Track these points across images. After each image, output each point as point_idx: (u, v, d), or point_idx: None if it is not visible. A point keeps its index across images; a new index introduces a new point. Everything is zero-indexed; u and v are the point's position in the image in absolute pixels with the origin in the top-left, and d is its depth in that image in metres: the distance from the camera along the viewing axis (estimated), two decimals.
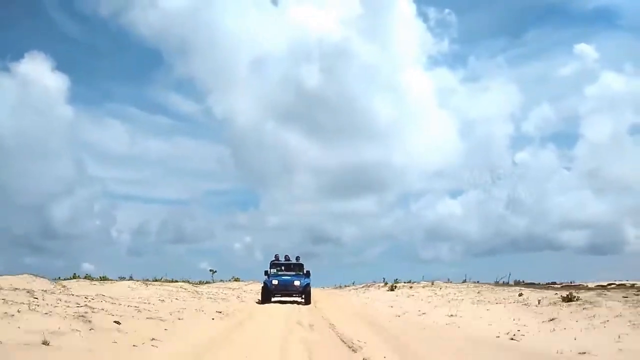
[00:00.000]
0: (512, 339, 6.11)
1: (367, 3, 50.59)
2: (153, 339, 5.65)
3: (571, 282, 35.93)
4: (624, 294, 9.25)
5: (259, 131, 50.09)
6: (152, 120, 62.46)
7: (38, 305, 6.48)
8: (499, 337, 6.29)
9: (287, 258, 17.20)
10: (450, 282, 22.88)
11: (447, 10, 55.02)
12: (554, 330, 6.86)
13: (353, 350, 5.36)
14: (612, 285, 24.97)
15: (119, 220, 53.15)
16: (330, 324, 8.22)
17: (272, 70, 50.82)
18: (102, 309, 7.41)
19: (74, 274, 20.89)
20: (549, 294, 10.86)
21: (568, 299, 8.89)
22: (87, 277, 19.32)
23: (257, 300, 15.49)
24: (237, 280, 28.39)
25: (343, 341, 6.06)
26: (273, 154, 49.86)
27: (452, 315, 9.37)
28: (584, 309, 8.10)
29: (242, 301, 15.23)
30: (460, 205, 48.58)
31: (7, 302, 6.35)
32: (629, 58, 49.69)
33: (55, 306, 6.91)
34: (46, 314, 6.00)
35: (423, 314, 10.09)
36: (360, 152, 49.91)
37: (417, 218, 51.02)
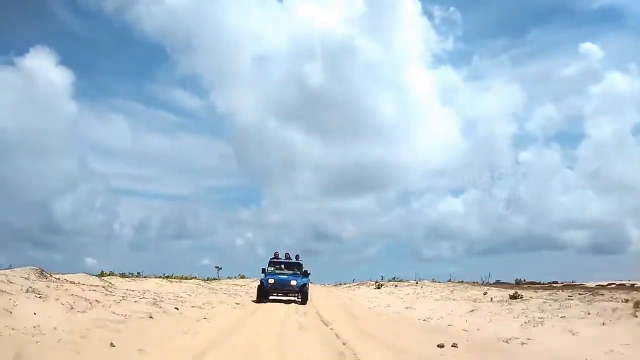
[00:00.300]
0: (425, 320, 9.72)
1: (371, 1, 51.20)
2: (204, 318, 9.29)
3: (572, 282, 37.60)
4: (570, 294, 12.29)
5: (261, 128, 51.69)
6: (155, 116, 63.47)
7: (124, 297, 10.14)
8: (419, 319, 9.91)
9: (287, 256, 17.30)
10: (436, 281, 26.78)
11: (452, 9, 55.41)
12: (467, 315, 10.44)
13: (326, 324, 8.96)
14: (612, 285, 27.20)
15: (122, 215, 54.56)
16: (317, 312, 11.80)
17: (275, 68, 52.40)
18: (161, 300, 11.08)
19: (102, 270, 24.32)
20: (511, 292, 14.28)
21: (514, 297, 11.76)
22: (122, 274, 22.75)
23: (238, 304, 15.22)
24: (242, 277, 31.84)
25: (322, 321, 9.64)
26: (275, 151, 51.40)
27: (407, 308, 12.99)
28: (513, 304, 11.44)
29: (251, 296, 18.36)
30: (462, 204, 49.13)
31: (105, 294, 10.00)
32: (634, 58, 49.96)
33: (131, 297, 10.56)
34: (135, 302, 9.65)
35: (388, 306, 13.70)
36: (362, 150, 51.02)
37: (419, 216, 52.02)
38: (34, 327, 5.74)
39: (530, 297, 11.90)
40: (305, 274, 16.34)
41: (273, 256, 17.14)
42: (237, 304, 13.27)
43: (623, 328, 7.56)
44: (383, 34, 52.08)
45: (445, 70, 58.12)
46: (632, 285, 28.38)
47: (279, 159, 51.96)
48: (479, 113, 58.20)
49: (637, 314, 8.13)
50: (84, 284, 11.08)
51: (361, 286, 25.81)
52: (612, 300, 9.58)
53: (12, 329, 5.29)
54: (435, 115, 52.34)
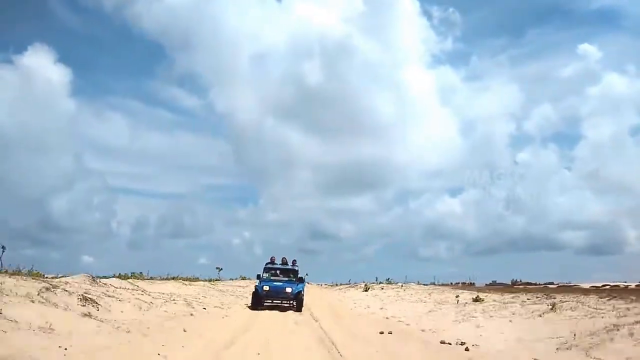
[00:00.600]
0: (387, 317, 13.44)
1: (370, 0, 52.18)
2: (226, 315, 12.98)
3: (568, 283, 39.17)
4: (530, 297, 15.21)
5: (259, 127, 52.55)
6: (154, 115, 65.14)
7: (165, 300, 13.82)
8: (384, 317, 13.65)
9: (283, 261, 17.45)
10: (421, 284, 30.83)
11: (451, 9, 57.49)
12: (423, 314, 14.15)
13: (315, 321, 12.68)
14: (606, 287, 29.54)
15: (119, 214, 55.09)
16: (310, 310, 15.52)
17: (273, 66, 53.08)
18: (190, 302, 14.79)
19: (119, 273, 27.76)
20: (481, 295, 17.73)
21: (476, 300, 15.14)
22: (140, 276, 26.28)
23: (248, 305, 16.22)
24: (243, 278, 35.48)
25: (313, 319, 13.33)
26: (273, 150, 52.71)
27: (381, 308, 16.68)
28: (467, 306, 15.03)
29: None
30: (460, 204, 49.58)
31: (154, 298, 13.69)
32: (632, 59, 50.52)
33: (166, 299, 14.24)
34: (175, 303, 13.34)
35: (367, 307, 17.40)
36: (360, 149, 52.17)
37: (417, 216, 53.25)
38: (131, 320, 9.43)
39: (493, 300, 15.29)
40: (301, 280, 16.49)
41: (269, 261, 17.30)
42: (247, 304, 17.01)
43: (520, 324, 11.20)
44: (381, 34, 53.19)
45: (443, 70, 59.49)
46: (626, 286, 30.72)
47: (277, 157, 52.84)
48: (477, 113, 59.34)
49: (544, 315, 11.84)
50: (126, 288, 14.71)
51: (351, 289, 29.60)
52: (542, 304, 13.15)
53: (122, 322, 8.97)
54: (434, 115, 53.31)
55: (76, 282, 12.51)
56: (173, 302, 13.75)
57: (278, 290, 15.66)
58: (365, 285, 28.74)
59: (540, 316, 11.59)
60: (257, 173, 55.73)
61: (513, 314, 12.56)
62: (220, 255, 56.94)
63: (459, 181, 53.16)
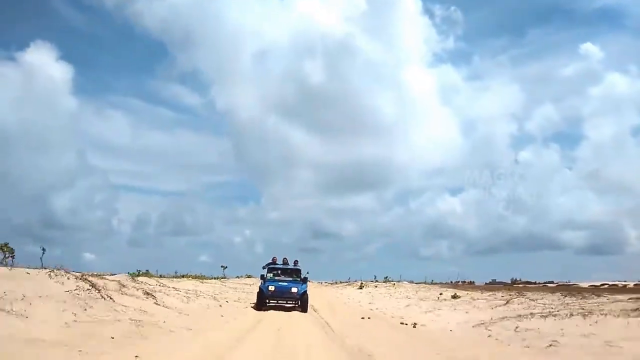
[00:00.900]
0: (372, 309, 17.51)
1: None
2: (245, 307, 17.04)
3: (567, 282, 41.18)
4: (503, 295, 19.73)
5: (260, 125, 54.09)
6: (155, 112, 66.64)
7: (197, 295, 17.88)
8: (370, 309, 17.72)
9: (285, 261, 17.81)
10: (412, 282, 35.06)
11: (453, 8, 58.32)
12: (402, 308, 18.20)
13: (315, 311, 16.75)
14: (605, 286, 32.14)
15: (120, 211, 57.65)
16: (310, 305, 19.56)
17: (275, 65, 54.79)
18: (214, 296, 18.88)
19: (138, 270, 31.70)
20: (462, 293, 21.80)
21: (453, 297, 18.90)
22: (148, 274, 29.94)
23: (252, 305, 17.00)
24: (249, 276, 39.39)
25: (313, 309, 17.39)
26: (275, 148, 54.54)
27: (370, 303, 20.74)
28: (443, 302, 19.18)
29: None
30: (461, 204, 51.56)
31: (177, 293, 17.74)
32: (634, 59, 52.34)
33: (195, 295, 18.30)
34: (204, 298, 17.41)
35: (359, 302, 21.43)
36: (361, 148, 54.12)
37: (418, 215, 55.10)
38: (182, 308, 13.48)
39: (469, 298, 19.12)
40: (305, 281, 16.75)
41: (271, 261, 17.70)
42: None
43: (471, 314, 15.12)
44: (383, 33, 54.66)
45: (445, 69, 60.81)
46: (624, 286, 33.25)
47: (278, 156, 54.81)
48: (478, 113, 60.90)
49: (495, 308, 15.78)
50: (159, 285, 18.67)
51: (347, 287, 33.71)
52: (501, 300, 17.01)
53: (180, 309, 13.00)
54: (435, 114, 55.22)
55: (121, 280, 16.56)
56: (202, 296, 17.80)
57: (283, 290, 16.02)
58: (361, 283, 32.85)
59: (492, 309, 15.55)
60: (258, 171, 57.09)
61: (474, 307, 16.49)
62: (221, 253, 58.90)
63: (459, 181, 52.90)
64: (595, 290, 20.86)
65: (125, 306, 10.49)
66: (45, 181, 46.97)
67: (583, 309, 12.05)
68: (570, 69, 57.01)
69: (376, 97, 53.18)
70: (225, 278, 35.52)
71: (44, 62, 47.49)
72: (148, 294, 13.78)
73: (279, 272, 16.96)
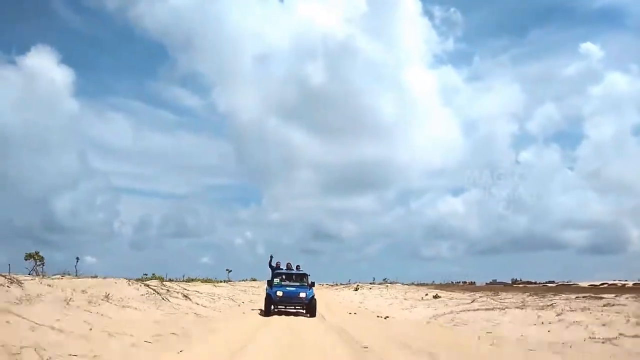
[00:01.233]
0: (360, 307, 22.32)
1: (372, 1, 56.40)
2: (260, 307, 21.83)
3: (568, 282, 43.88)
4: (482, 294, 25.01)
5: (261, 127, 57.18)
6: (156, 115, 70.28)
7: (218, 297, 22.65)
8: (359, 307, 22.52)
9: (288, 266, 18.44)
10: (410, 284, 39.90)
11: (452, 9, 61.85)
12: (385, 305, 22.96)
13: None
14: (604, 285, 35.47)
15: (122, 214, 60.32)
16: None
17: (276, 67, 57.61)
18: (232, 298, 23.69)
19: (145, 274, 36.66)
20: (446, 294, 26.59)
21: (435, 297, 24.31)
22: (160, 278, 34.67)
23: (260, 311, 17.63)
24: (254, 279, 43.98)
25: None
26: (276, 150, 57.37)
27: (361, 302, 25.54)
28: (423, 301, 24.10)
29: None
30: (462, 204, 54.24)
31: (210, 295, 22.55)
32: (634, 58, 56.17)
33: (214, 297, 23.10)
34: (225, 300, 22.19)
35: (352, 301, 26.21)
36: (362, 149, 56.99)
37: (419, 216, 58.67)
38: (213, 307, 18.23)
39: (448, 298, 23.95)
40: (312, 285, 17.16)
41: (275, 266, 18.33)
42: None
43: (439, 309, 19.99)
44: (384, 34, 58.00)
45: (445, 70, 65.00)
46: (623, 285, 36.40)
47: (279, 157, 57.66)
48: (479, 113, 65.78)
49: (461, 304, 20.59)
50: (184, 288, 23.37)
51: (344, 289, 38.52)
52: (470, 299, 21.82)
53: (212, 308, 17.75)
54: (436, 115, 58.33)
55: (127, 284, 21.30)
56: (222, 298, 22.56)
57: (291, 295, 16.37)
58: (356, 286, 37.66)
59: (456, 306, 20.24)
60: (259, 173, 60.46)
61: (444, 305, 21.14)
62: (222, 255, 60.68)
63: (461, 181, 54.04)
64: (583, 290, 23.45)
65: (179, 305, 15.26)
66: (46, 184, 49.83)
67: (523, 304, 16.79)
68: (570, 68, 60.18)
69: (377, 98, 55.65)
70: (231, 281, 39.77)
71: (45, 66, 50.22)
72: (186, 296, 18.53)
73: (285, 277, 17.52)
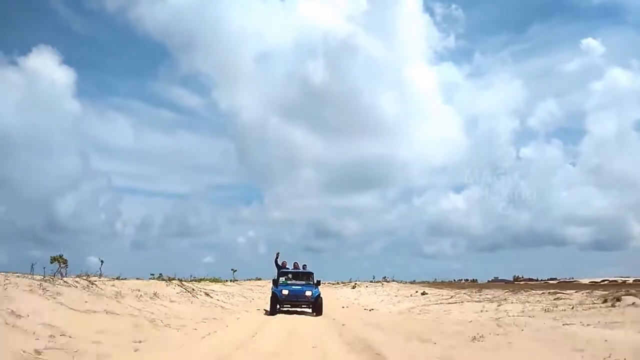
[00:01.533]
0: (353, 302, 26.90)
1: None
2: (267, 303, 26.44)
3: (571, 279, 45.31)
4: (467, 292, 29.46)
5: (263, 126, 58.30)
6: (158, 114, 71.22)
7: (232, 294, 27.27)
8: (352, 302, 27.12)
9: (295, 266, 19.16)
10: (400, 282, 44.34)
11: (453, 5, 64.87)
12: (377, 302, 27.53)
13: None
14: (605, 282, 36.95)
15: (124, 214, 60.14)
16: None
17: (277, 65, 58.64)
18: (242, 295, 28.33)
19: (152, 274, 41.14)
20: (436, 292, 31.09)
21: (422, 294, 28.92)
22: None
23: (265, 311, 18.23)
24: (259, 279, 48.17)
25: None
26: (277, 149, 58.61)
27: (355, 298, 30.10)
28: (410, 297, 28.73)
29: None
30: (464, 201, 53.96)
31: (221, 292, 27.17)
32: (636, 53, 56.54)
33: (227, 294, 27.74)
34: (237, 296, 26.80)
35: (347, 298, 30.75)
36: (364, 147, 58.68)
37: (421, 213, 59.16)
38: (230, 303, 22.82)
39: (433, 295, 28.57)
40: (318, 284, 17.61)
41: (282, 265, 19.04)
42: None
43: (419, 303, 24.61)
44: (385, 32, 59.16)
45: (446, 67, 65.82)
46: (624, 281, 37.39)
47: (281, 156, 58.72)
48: (480, 109, 65.78)
49: (440, 300, 25.17)
50: (199, 287, 27.98)
51: (343, 287, 43.09)
52: (448, 296, 26.40)
53: (230, 304, 22.34)
54: (437, 112, 59.04)
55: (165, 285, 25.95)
56: (236, 296, 27.15)
57: (297, 294, 16.90)
58: (354, 284, 42.24)
59: (436, 300, 24.90)
60: (261, 172, 60.70)
61: (428, 300, 25.81)
62: (225, 254, 61.54)
63: (462, 178, 53.03)
64: (583, 287, 25.12)
65: (205, 300, 19.84)
66: (48, 184, 49.77)
67: (487, 298, 21.33)
68: (571, 64, 60.79)
69: (378, 96, 56.76)
70: (237, 280, 43.78)
71: (47, 66, 51.23)
72: (207, 294, 23.12)
73: (291, 276, 18.13)
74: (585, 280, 39.28)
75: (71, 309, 8.41)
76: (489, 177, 43.40)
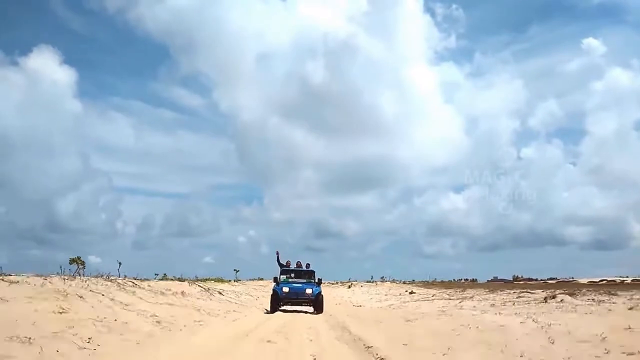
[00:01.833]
0: (347, 300, 31.80)
1: None
2: None
3: (570, 279, 47.39)
4: (456, 290, 34.32)
5: (264, 126, 60.58)
6: (158, 115, 73.88)
7: (242, 293, 32.17)
8: (346, 300, 32.02)
9: (298, 265, 19.52)
10: (397, 282, 49.13)
11: (454, 6, 67.24)
12: (366, 299, 32.39)
13: None
14: (603, 282, 39.38)
15: (125, 213, 63.05)
16: None
17: (277, 66, 60.71)
18: (250, 294, 33.27)
19: (164, 274, 45.90)
20: (424, 291, 35.96)
21: (410, 293, 33.75)
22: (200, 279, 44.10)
23: (265, 310, 19.08)
24: (261, 279, 52.50)
25: None
26: (278, 149, 60.78)
27: (349, 297, 34.96)
28: (399, 296, 33.66)
29: None
30: (464, 201, 55.68)
31: (230, 292, 32.07)
32: (636, 53, 59.12)
33: (236, 293, 32.67)
34: (246, 295, 31.68)
35: (342, 296, 35.61)
36: (364, 147, 60.73)
37: (421, 213, 61.38)
38: (240, 301, 27.70)
39: (419, 293, 33.41)
40: (319, 282, 17.96)
41: (284, 264, 19.54)
42: None
43: (403, 301, 29.50)
44: (385, 32, 62.04)
45: (447, 67, 68.88)
46: (622, 281, 39.20)
47: (282, 156, 60.92)
48: (481, 109, 68.50)
49: (421, 299, 30.04)
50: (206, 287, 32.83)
51: (340, 287, 48.00)
52: (431, 295, 31.25)
53: (240, 302, 27.20)
54: (438, 112, 61.38)
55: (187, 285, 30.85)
56: (242, 294, 32.04)
57: (298, 292, 17.40)
58: (350, 283, 47.15)
59: (419, 298, 29.80)
60: (261, 172, 63.09)
61: (411, 298, 30.75)
62: (225, 254, 64.41)
63: (463, 178, 54.08)
64: (581, 287, 26.54)
65: (220, 298, 24.73)
66: (49, 184, 51.51)
67: (464, 297, 26.14)
68: (572, 64, 63.52)
69: (379, 96, 59.19)
70: (240, 280, 47.81)
71: (47, 67, 53.09)
72: (219, 292, 28.01)
73: (293, 274, 18.72)
74: (584, 280, 40.43)
75: (148, 302, 13.26)
76: (489, 177, 45.31)
